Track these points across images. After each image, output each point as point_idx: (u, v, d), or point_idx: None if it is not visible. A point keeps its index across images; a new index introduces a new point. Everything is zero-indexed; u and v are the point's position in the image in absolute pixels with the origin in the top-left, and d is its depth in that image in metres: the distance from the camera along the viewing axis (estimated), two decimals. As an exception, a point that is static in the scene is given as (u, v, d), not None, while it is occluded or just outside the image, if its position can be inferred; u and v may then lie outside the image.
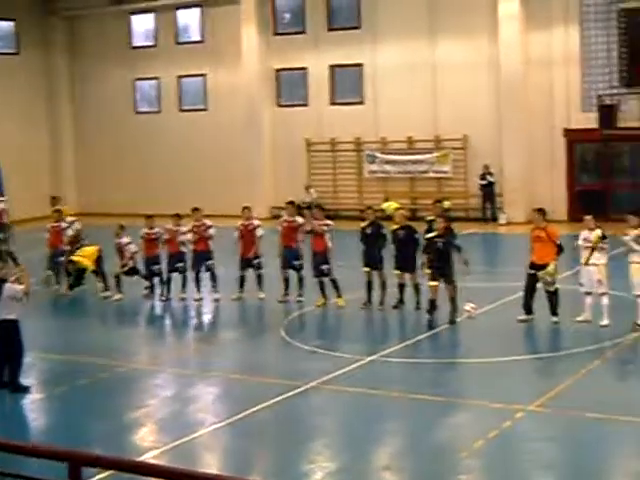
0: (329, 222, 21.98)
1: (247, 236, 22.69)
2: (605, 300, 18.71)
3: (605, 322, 18.65)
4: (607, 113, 33.39)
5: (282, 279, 22.21)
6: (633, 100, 33.41)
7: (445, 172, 37.42)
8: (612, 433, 13.17)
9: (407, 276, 20.95)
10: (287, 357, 18.11)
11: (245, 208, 23.11)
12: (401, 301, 21.10)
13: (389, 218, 25.09)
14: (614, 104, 33.57)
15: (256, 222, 22.91)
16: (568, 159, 35.66)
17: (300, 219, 22.48)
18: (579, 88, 34.89)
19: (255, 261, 22.61)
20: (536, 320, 19.29)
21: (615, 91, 33.75)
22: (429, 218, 21.65)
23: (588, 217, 19.10)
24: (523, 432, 13.39)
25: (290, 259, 22.11)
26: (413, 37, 37.31)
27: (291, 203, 23.24)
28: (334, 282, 21.58)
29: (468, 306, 19.99)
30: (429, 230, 20.26)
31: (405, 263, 20.84)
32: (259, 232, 22.68)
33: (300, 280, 22.13)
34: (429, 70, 37.22)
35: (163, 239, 23.06)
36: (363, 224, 21.70)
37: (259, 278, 22.66)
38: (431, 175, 37.69)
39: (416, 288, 20.81)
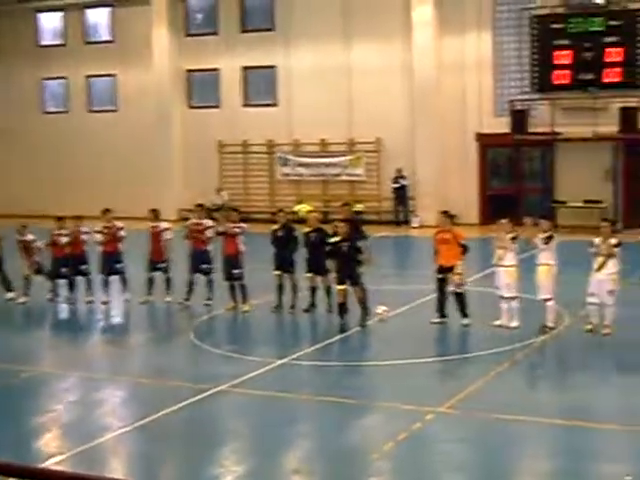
0: (243, 225, 21.71)
1: (155, 239, 22.37)
2: (514, 303, 18.76)
3: (514, 324, 18.70)
4: (518, 118, 33.84)
5: (187, 282, 21.88)
6: (544, 106, 33.84)
7: (358, 175, 37.47)
8: (520, 434, 13.22)
9: (319, 279, 20.80)
10: (196, 360, 17.87)
11: (152, 211, 22.77)
12: (312, 304, 20.96)
13: (302, 221, 24.90)
14: (525, 109, 33.99)
15: (163, 225, 22.59)
16: (480, 163, 35.97)
17: (208, 222, 22.19)
18: (491, 93, 35.36)
19: (162, 264, 22.28)
20: (448, 323, 19.31)
21: (526, 96, 34.15)
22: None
23: (504, 220, 19.07)
24: (433, 434, 13.37)
25: (198, 262, 21.81)
26: (327, 40, 37.30)
27: (200, 206, 22.93)
28: (243, 287, 21.35)
29: (380, 309, 19.95)
30: (334, 234, 20.09)
31: (317, 266, 20.67)
32: (167, 235, 22.37)
33: (209, 283, 21.83)
34: (343, 73, 37.26)
35: (64, 241, 22.52)
36: (275, 227, 21.56)
37: (167, 282, 22.35)
38: (344, 178, 37.72)
39: (328, 291, 20.67)
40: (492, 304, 19.32)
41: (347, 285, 19.42)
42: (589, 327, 18.41)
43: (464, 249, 19.18)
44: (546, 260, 18.44)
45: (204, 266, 21.78)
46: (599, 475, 11.96)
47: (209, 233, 21.83)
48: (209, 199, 38.64)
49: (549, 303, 18.47)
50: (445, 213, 19.98)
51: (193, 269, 21.93)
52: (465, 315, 19.15)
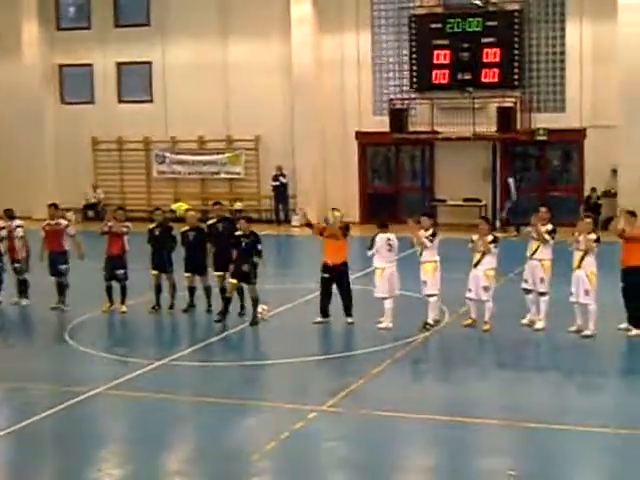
0: (128, 224, 21.16)
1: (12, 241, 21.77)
2: (388, 304, 18.75)
3: (385, 325, 18.75)
4: (398, 117, 33.84)
5: (56, 284, 21.29)
6: (423, 105, 33.95)
7: (237, 173, 37.07)
8: (402, 431, 13.27)
9: (197, 279, 20.44)
10: (72, 363, 17.32)
11: (6, 211, 22.20)
12: (191, 304, 20.62)
13: (180, 220, 24.46)
14: (405, 108, 34.05)
15: (16, 222, 21.86)
16: (360, 162, 35.94)
17: (63, 221, 21.59)
18: (371, 92, 35.41)
19: (17, 264, 21.70)
20: (331, 321, 19.22)
21: (406, 95, 34.28)
22: (211, 221, 20.99)
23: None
24: (315, 432, 13.27)
25: (56, 264, 21.20)
26: (204, 36, 36.80)
27: (53, 205, 22.12)
28: (124, 288, 20.85)
29: (260, 308, 19.74)
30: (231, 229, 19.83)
31: (196, 265, 20.34)
32: (19, 233, 21.70)
33: (60, 286, 21.24)
34: (221, 70, 36.84)
35: None
36: (151, 225, 21.17)
37: (21, 284, 21.81)
38: (223, 176, 37.29)
39: (207, 291, 20.38)
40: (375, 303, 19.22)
41: (241, 282, 19.29)
42: (468, 322, 18.65)
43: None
44: (431, 257, 18.57)
45: (62, 267, 21.20)
46: (481, 470, 11.94)
47: (71, 231, 21.33)
48: (84, 197, 38.07)
49: (432, 299, 18.57)
50: (334, 210, 19.82)
51: (52, 272, 21.32)
52: (349, 314, 19.13)
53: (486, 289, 18.31)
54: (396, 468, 12.15)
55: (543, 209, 18.96)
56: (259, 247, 19.44)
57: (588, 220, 18.10)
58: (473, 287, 18.43)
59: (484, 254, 18.30)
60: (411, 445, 12.89)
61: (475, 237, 18.50)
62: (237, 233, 19.63)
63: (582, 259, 17.63)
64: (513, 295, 19.50)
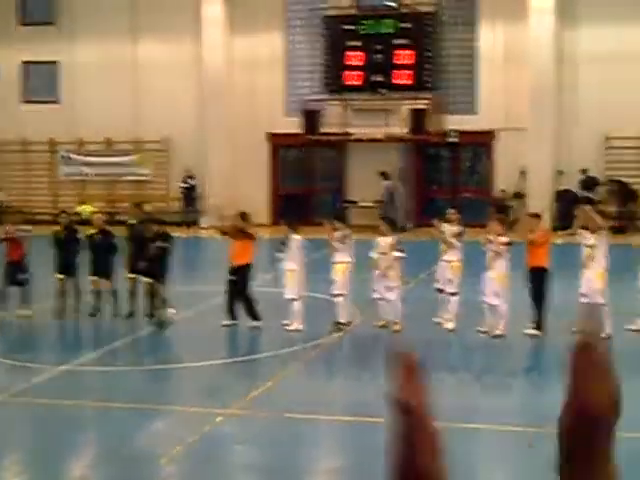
0: (28, 227, 20.61)
1: None
2: (297, 306, 18.60)
3: (295, 327, 18.57)
4: (310, 118, 33.74)
5: None
6: (335, 106, 33.83)
7: (145, 175, 36.69)
8: (311, 432, 13.21)
9: (104, 282, 19.99)
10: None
11: None
12: (97, 308, 20.13)
13: (86, 222, 23.87)
14: (317, 110, 33.86)
15: None
16: (272, 163, 35.72)
17: None
18: (283, 93, 35.14)
19: None
20: (240, 323, 18.91)
21: (318, 97, 34.17)
22: (131, 222, 20.66)
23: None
24: (223, 435, 13.13)
25: None
26: (113, 35, 36.33)
27: None
28: (25, 293, 20.24)
29: (168, 311, 19.42)
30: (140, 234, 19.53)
31: (102, 269, 19.90)
32: None
33: None
34: (130, 69, 36.43)
35: None
36: (56, 229, 20.70)
37: None
38: (130, 178, 36.81)
39: (114, 295, 19.96)
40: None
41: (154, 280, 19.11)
42: (381, 323, 18.53)
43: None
44: (342, 258, 18.47)
45: None
46: None
47: None
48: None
49: (339, 299, 18.42)
50: (242, 214, 19.56)
51: None
52: (255, 318, 18.81)
53: (389, 289, 18.20)
54: (304, 470, 12.09)
55: (451, 211, 19.03)
56: (165, 245, 19.24)
57: (495, 222, 18.15)
58: (377, 287, 18.40)
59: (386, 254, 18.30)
60: (320, 447, 12.82)
61: (379, 239, 18.55)
62: (149, 235, 19.41)
63: (493, 260, 17.63)
64: (425, 296, 19.52)
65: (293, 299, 18.63)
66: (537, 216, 18.30)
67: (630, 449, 12.36)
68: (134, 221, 20.42)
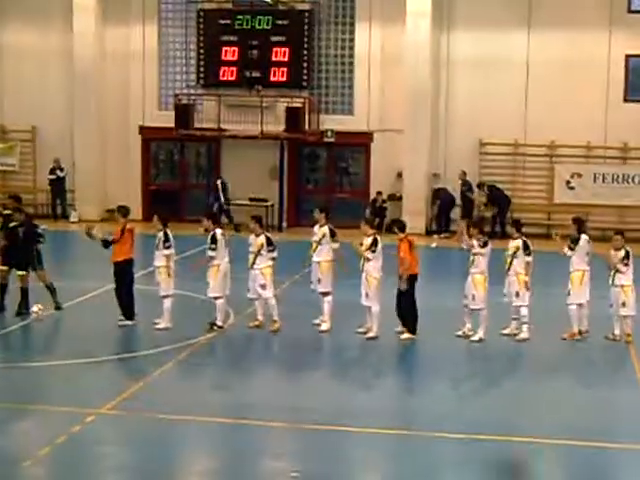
0: None
1: None
2: (167, 302, 18.48)
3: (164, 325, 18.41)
4: (183, 113, 33.22)
5: None
6: (209, 101, 33.48)
7: (12, 165, 35.53)
8: (184, 433, 13.06)
9: None
10: None
11: None
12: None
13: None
14: (191, 104, 33.50)
15: None
16: (143, 157, 35.06)
17: None
18: (156, 86, 34.59)
19: None
20: (112, 322, 18.51)
21: (192, 91, 33.75)
22: (6, 212, 20.06)
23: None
24: (94, 436, 12.82)
25: None
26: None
27: None
28: None
29: (36, 307, 19.09)
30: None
31: None
32: None
33: None
34: (-7, 55, 35.25)
35: None
36: None
37: None
38: (-5, 167, 35.73)
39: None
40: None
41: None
42: (255, 323, 18.61)
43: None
44: (218, 260, 18.26)
45: None
46: (264, 472, 11.93)
47: None
48: None
49: (217, 301, 18.30)
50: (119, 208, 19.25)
51: None
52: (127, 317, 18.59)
53: (263, 287, 18.23)
54: (176, 472, 11.92)
55: (316, 210, 19.12)
56: (39, 231, 19.16)
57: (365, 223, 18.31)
58: (250, 286, 18.43)
59: (257, 254, 18.26)
60: (193, 448, 12.62)
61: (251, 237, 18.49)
62: (12, 224, 19.10)
63: (365, 262, 17.85)
64: (301, 297, 19.66)
65: (166, 296, 18.44)
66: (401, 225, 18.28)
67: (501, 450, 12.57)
68: (9, 212, 19.77)
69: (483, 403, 14.47)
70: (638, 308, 18.09)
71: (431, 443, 12.64)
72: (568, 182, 32.28)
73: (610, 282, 17.81)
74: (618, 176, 32.03)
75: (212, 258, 18.04)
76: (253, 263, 18.27)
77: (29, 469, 11.47)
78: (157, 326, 18.30)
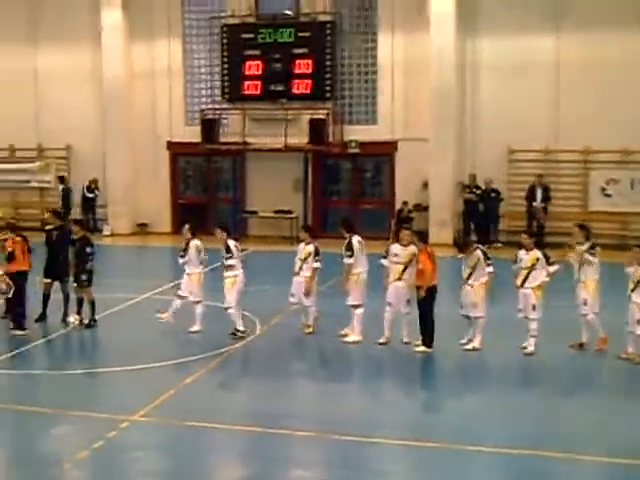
0: None
1: None
2: (199, 308, 19.09)
3: (196, 328, 19.12)
4: (209, 127, 33.71)
5: None
6: (235, 116, 33.88)
7: (48, 182, 36.41)
8: (214, 441, 13.28)
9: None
10: None
11: None
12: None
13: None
14: (216, 119, 33.93)
15: None
16: (171, 172, 35.67)
17: None
18: (182, 101, 35.12)
19: None
20: (145, 331, 19.14)
21: (217, 106, 34.15)
22: (48, 227, 20.58)
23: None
24: (128, 442, 13.15)
25: None
26: (13, 43, 36.09)
27: None
28: None
29: (73, 317, 19.75)
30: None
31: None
32: None
33: None
34: (31, 77, 36.14)
35: None
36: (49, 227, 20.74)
37: None
38: (34, 185, 36.57)
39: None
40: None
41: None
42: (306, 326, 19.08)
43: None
44: (233, 272, 18.69)
45: None
46: None
47: None
48: None
49: (230, 311, 18.67)
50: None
51: None
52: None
53: (306, 295, 18.66)
54: (206, 478, 12.13)
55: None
56: (87, 250, 19.53)
57: (404, 231, 18.38)
58: (295, 292, 18.84)
59: (304, 261, 18.65)
60: (223, 455, 12.85)
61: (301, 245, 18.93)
62: (48, 227, 20.02)
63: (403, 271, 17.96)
64: (329, 308, 19.82)
65: (197, 302, 19.12)
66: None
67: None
68: (50, 227, 20.38)
69: (513, 416, 14.19)
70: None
71: (460, 456, 12.47)
72: (603, 189, 31.10)
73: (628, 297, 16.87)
74: (658, 182, 30.54)
75: (231, 267, 18.47)
76: (300, 269, 18.72)
77: (69, 472, 11.90)
78: (190, 329, 18.99)
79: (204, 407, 14.56)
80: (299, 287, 18.75)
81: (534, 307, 17.43)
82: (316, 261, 18.65)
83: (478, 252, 17.81)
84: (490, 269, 17.67)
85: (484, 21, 31.85)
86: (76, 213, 34.30)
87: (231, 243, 18.66)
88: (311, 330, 18.93)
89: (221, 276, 18.76)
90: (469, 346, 17.76)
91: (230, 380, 16.68)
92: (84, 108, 35.55)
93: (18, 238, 19.34)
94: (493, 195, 31.74)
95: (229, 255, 18.50)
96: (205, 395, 15.37)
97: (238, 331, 18.62)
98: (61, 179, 35.53)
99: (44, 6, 35.83)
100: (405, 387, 15.99)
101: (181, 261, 19.29)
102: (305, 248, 18.80)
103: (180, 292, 19.39)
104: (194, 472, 12.03)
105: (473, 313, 17.75)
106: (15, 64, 36.03)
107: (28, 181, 36.50)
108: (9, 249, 19.13)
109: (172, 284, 21.34)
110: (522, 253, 17.66)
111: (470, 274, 17.70)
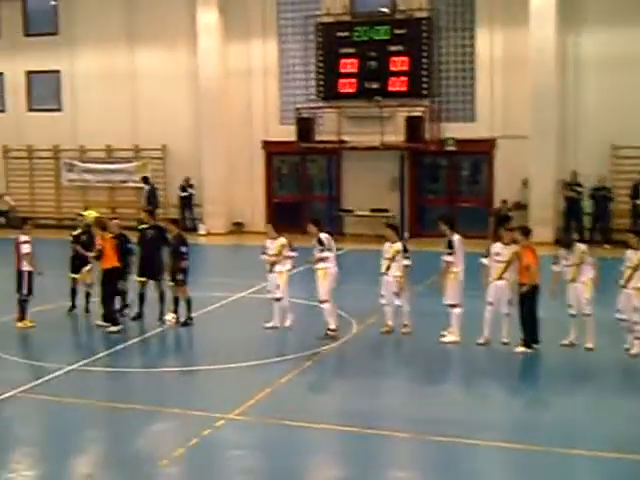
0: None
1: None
2: (284, 303, 19.26)
3: (287, 324, 19.32)
4: (305, 126, 33.78)
5: None
6: (330, 114, 33.84)
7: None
8: (309, 440, 13.27)
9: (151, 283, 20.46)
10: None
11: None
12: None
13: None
14: (311, 117, 33.95)
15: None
16: (266, 171, 35.86)
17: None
18: (277, 100, 35.28)
19: None
20: (241, 330, 19.31)
21: (312, 104, 34.15)
22: (142, 227, 20.92)
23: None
24: (223, 440, 13.21)
25: None
26: (112, 45, 36.87)
27: None
28: (23, 302, 20.03)
29: (169, 316, 19.97)
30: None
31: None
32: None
33: None
34: (128, 78, 36.88)
35: None
36: (74, 232, 21.21)
37: None
38: (131, 185, 37.20)
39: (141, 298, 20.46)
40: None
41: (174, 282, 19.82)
42: (385, 329, 18.84)
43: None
44: (326, 264, 18.53)
45: None
46: None
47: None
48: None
49: (323, 305, 18.55)
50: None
51: None
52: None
53: (397, 294, 18.51)
54: (301, 477, 12.11)
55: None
56: (183, 249, 19.67)
57: (508, 232, 17.93)
58: (385, 292, 18.66)
59: (392, 261, 18.50)
60: (317, 455, 12.83)
61: (387, 245, 18.71)
62: (141, 227, 20.50)
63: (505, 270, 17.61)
64: (427, 307, 19.72)
65: (279, 299, 19.20)
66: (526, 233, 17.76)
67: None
68: (145, 226, 20.69)
69: (619, 419, 13.84)
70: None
71: (563, 460, 12.19)
72: None
73: None
74: None
75: (324, 259, 18.36)
76: (388, 269, 18.57)
77: (165, 469, 11.99)
78: (285, 324, 19.21)
79: (300, 406, 14.56)
80: (388, 287, 18.62)
81: (635, 309, 16.83)
82: (405, 258, 18.50)
83: (581, 247, 17.43)
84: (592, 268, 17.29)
85: (586, 13, 31.31)
86: (172, 213, 34.75)
87: (323, 236, 18.55)
88: (406, 330, 18.74)
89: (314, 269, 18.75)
90: (588, 345, 17.34)
91: (325, 380, 16.65)
92: (180, 108, 36.05)
93: (108, 235, 19.64)
94: (602, 193, 31.14)
95: (322, 247, 18.41)
96: (301, 394, 15.38)
97: (329, 330, 18.52)
98: (145, 179, 35.99)
99: (141, 7, 36.45)
100: (503, 388, 15.71)
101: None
102: (393, 246, 18.62)
103: (275, 295, 19.31)
104: (290, 471, 12.03)
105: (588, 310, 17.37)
106: (113, 65, 36.88)
107: (125, 181, 37.13)
108: (98, 247, 19.61)
109: (266, 283, 21.32)
110: (629, 252, 17.05)
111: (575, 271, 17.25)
